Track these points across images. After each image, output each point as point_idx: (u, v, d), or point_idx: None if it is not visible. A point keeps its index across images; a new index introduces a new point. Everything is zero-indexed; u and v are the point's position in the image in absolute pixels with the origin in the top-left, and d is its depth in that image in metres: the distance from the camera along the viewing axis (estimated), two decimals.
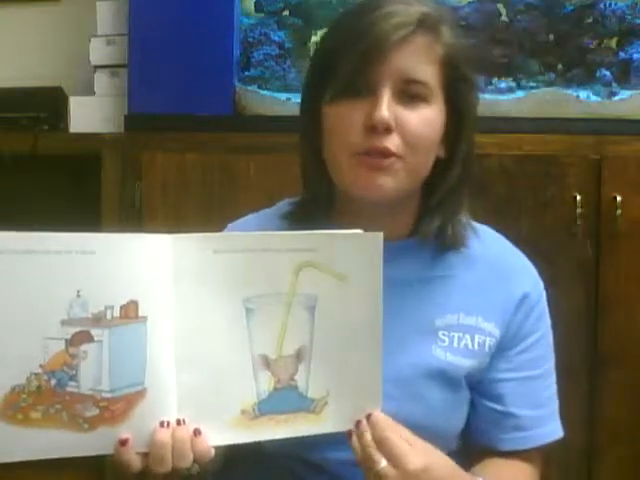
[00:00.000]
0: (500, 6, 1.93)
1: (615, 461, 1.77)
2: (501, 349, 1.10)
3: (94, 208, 1.90)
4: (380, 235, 0.94)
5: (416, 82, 1.01)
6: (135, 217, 1.88)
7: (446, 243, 1.09)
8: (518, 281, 1.12)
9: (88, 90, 2.05)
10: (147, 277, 0.90)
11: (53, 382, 0.88)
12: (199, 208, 1.86)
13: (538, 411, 1.13)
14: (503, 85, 1.88)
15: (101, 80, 2.03)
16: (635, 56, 1.86)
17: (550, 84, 1.88)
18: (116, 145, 1.91)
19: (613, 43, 1.90)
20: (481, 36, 1.89)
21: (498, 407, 1.11)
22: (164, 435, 0.90)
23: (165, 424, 0.91)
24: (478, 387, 1.11)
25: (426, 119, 1.02)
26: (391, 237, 1.05)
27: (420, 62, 1.02)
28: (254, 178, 1.84)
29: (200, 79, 1.89)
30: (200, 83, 1.89)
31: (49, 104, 2.03)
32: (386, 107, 1.00)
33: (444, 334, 1.08)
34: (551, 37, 1.92)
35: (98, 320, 0.89)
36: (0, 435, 0.88)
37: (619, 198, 1.72)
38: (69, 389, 0.89)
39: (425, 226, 1.09)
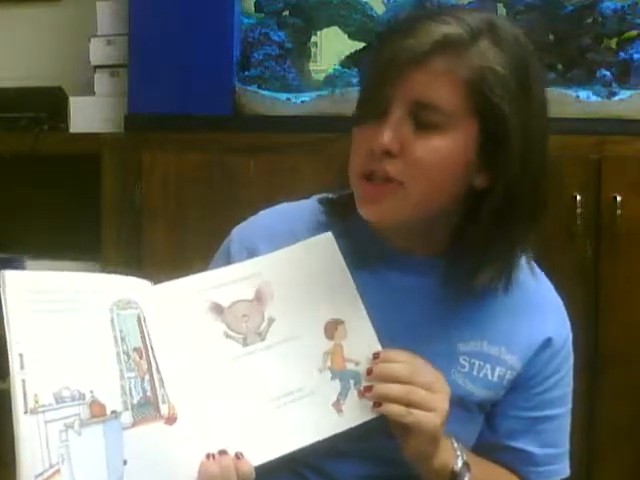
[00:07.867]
0: (500, 6, 1.93)
1: (615, 461, 1.76)
2: (521, 387, 1.07)
3: (94, 208, 1.90)
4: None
5: (429, 107, 0.95)
6: (135, 217, 1.88)
7: (477, 285, 1.02)
8: (545, 321, 1.08)
9: (88, 90, 2.05)
10: None
11: None
12: (199, 208, 1.86)
13: (549, 450, 1.10)
14: None
15: (101, 80, 2.03)
16: (635, 56, 1.86)
17: (550, 84, 1.87)
18: (116, 145, 1.91)
19: (613, 43, 1.90)
20: None
21: (509, 442, 1.09)
22: (214, 467, 0.91)
23: (211, 456, 0.92)
24: (488, 420, 1.08)
25: (435, 148, 0.96)
26: (427, 252, 1.05)
27: (436, 86, 0.95)
28: (254, 178, 1.84)
29: (200, 79, 1.89)
30: (200, 83, 1.89)
31: (49, 104, 2.03)
32: (390, 130, 0.95)
33: (465, 359, 1.04)
34: (551, 37, 1.92)
35: None
36: None
37: (619, 198, 1.72)
38: None
39: (458, 260, 1.02)
